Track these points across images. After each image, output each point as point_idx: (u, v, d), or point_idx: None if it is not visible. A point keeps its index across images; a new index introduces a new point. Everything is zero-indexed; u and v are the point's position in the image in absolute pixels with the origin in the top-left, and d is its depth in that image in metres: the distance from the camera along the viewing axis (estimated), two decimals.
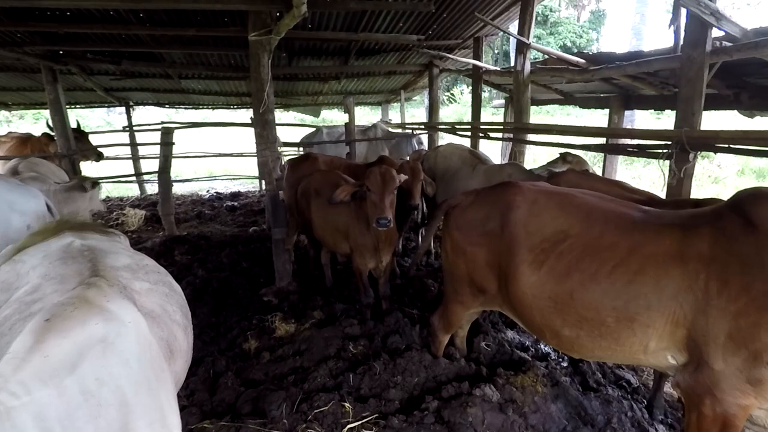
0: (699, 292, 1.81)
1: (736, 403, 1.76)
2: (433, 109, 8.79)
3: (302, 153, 7.84)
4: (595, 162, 9.98)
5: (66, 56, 6.80)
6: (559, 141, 4.55)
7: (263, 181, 5.00)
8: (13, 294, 1.54)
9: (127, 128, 10.52)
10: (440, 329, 2.99)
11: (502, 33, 7.59)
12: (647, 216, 2.10)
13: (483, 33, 6.92)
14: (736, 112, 4.61)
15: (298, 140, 9.03)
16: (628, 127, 6.88)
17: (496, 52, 22.48)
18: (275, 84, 5.78)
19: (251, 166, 11.26)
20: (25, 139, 8.03)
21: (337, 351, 3.24)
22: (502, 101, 8.64)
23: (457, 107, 22.69)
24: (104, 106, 12.71)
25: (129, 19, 5.39)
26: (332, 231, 3.87)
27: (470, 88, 7.71)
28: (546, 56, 5.62)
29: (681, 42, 3.37)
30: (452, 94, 23.81)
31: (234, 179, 11.78)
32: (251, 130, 6.61)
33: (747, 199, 1.85)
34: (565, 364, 3.23)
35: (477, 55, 7.01)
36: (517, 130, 5.52)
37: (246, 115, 12.85)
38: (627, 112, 6.10)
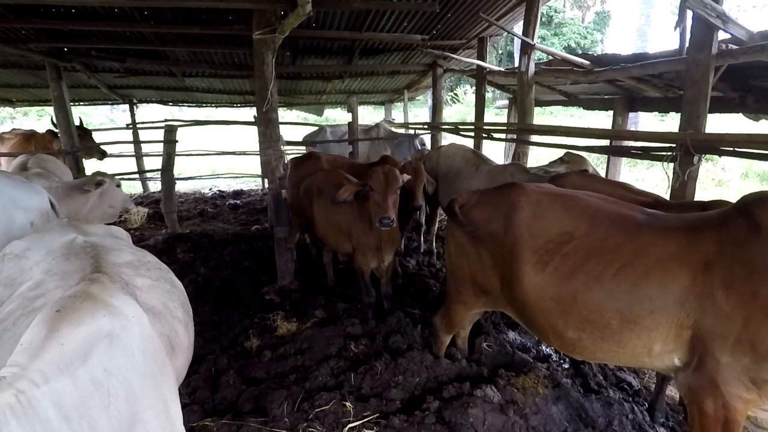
0: (705, 296, 1.80)
1: (739, 399, 1.76)
2: (436, 109, 8.77)
3: (305, 152, 7.85)
4: (598, 164, 9.96)
5: (70, 53, 6.82)
6: (563, 142, 4.54)
7: (266, 180, 5.01)
8: (17, 289, 1.55)
9: (131, 126, 10.55)
10: (442, 329, 2.99)
11: (506, 33, 7.57)
12: (652, 219, 2.09)
13: (487, 33, 6.91)
14: (741, 115, 4.59)
15: (301, 139, 9.04)
16: (632, 129, 6.87)
17: (500, 52, 22.48)
18: (279, 82, 5.77)
19: (254, 165, 11.28)
20: (29, 136, 8.07)
21: (338, 350, 3.25)
22: (506, 102, 8.63)
23: (460, 107, 22.67)
24: (108, 104, 12.74)
25: (133, 17, 5.40)
26: (335, 230, 3.87)
27: (474, 88, 7.69)
28: (550, 57, 5.61)
29: (686, 44, 3.35)
30: (456, 95, 23.80)
31: (237, 177, 11.80)
32: (254, 129, 6.61)
33: (753, 203, 1.84)
34: (566, 366, 3.22)
35: (481, 56, 7.00)
36: (521, 131, 5.51)
37: (249, 113, 12.85)
38: (631, 114, 6.09)
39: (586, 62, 4.94)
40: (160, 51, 7.09)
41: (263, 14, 4.04)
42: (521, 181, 2.76)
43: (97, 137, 8.47)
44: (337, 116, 20.40)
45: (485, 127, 6.49)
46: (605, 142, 5.34)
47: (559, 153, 4.85)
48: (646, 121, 13.91)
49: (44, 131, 8.07)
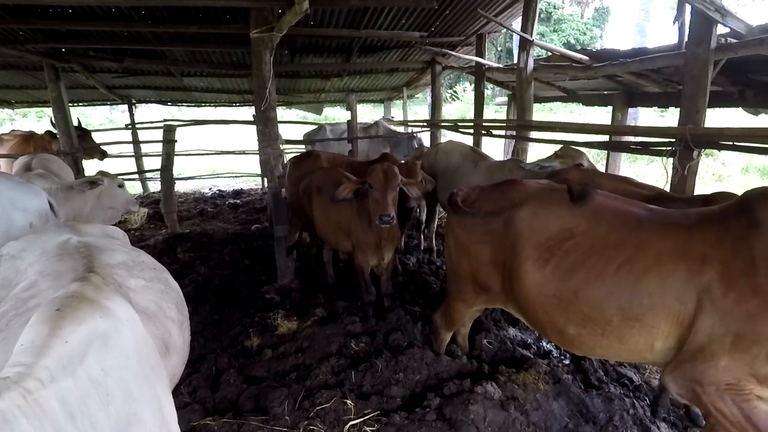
0: (705, 293, 1.79)
1: (744, 384, 1.75)
2: (435, 106, 8.75)
3: (304, 150, 7.84)
4: (598, 160, 9.94)
5: (68, 54, 6.81)
6: (562, 138, 4.53)
7: (265, 179, 5.00)
8: (12, 290, 1.55)
9: (130, 126, 10.54)
10: (442, 327, 2.99)
11: (505, 30, 7.56)
12: (653, 214, 2.08)
13: (486, 30, 6.89)
14: (740, 109, 4.58)
15: (300, 137, 9.04)
16: (632, 124, 6.85)
17: (499, 49, 22.43)
18: (277, 81, 5.75)
19: (253, 164, 11.26)
20: (28, 137, 8.06)
21: (338, 348, 3.25)
22: (505, 99, 8.61)
23: (459, 105, 22.64)
24: (107, 104, 12.73)
25: (131, 16, 5.39)
26: (334, 228, 3.87)
27: (473, 85, 7.68)
28: (549, 53, 5.59)
29: (685, 39, 3.34)
30: (455, 92, 23.76)
31: (236, 177, 11.80)
32: (253, 128, 6.61)
33: (754, 199, 1.83)
34: (567, 362, 3.22)
35: (480, 52, 6.98)
36: (520, 128, 5.50)
37: (248, 112, 12.85)
38: (631, 110, 6.08)
39: (585, 58, 4.92)
40: (157, 50, 7.08)
41: (261, 12, 4.03)
42: (520, 178, 2.75)
43: (97, 138, 8.46)
44: (336, 114, 20.38)
45: (485, 124, 6.48)
46: (605, 138, 5.32)
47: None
48: (645, 116, 13.88)
49: (43, 132, 8.07)
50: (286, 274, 4.58)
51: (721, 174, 11.01)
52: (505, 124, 6.30)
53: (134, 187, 10.93)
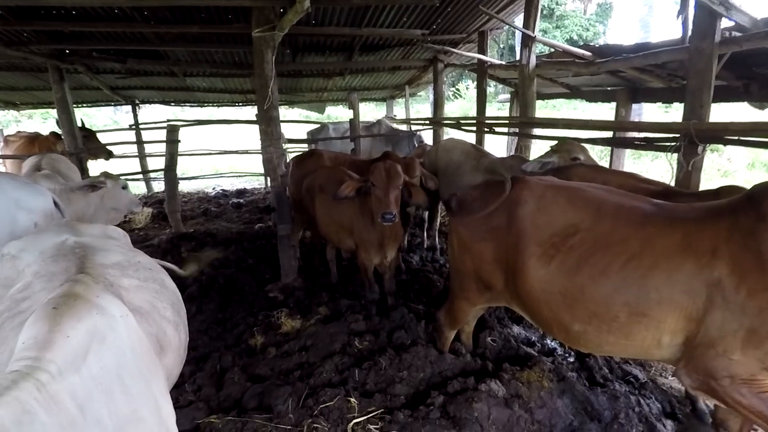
0: (714, 288, 1.78)
1: (750, 376, 1.75)
2: (438, 104, 8.73)
3: (307, 149, 7.84)
4: (602, 156, 9.88)
5: (72, 55, 6.84)
6: (566, 135, 4.51)
7: (268, 178, 5.01)
8: (10, 290, 1.57)
9: (133, 126, 10.59)
10: (446, 325, 2.98)
11: (507, 27, 7.52)
12: (659, 209, 2.06)
13: (488, 27, 6.87)
14: (746, 103, 4.54)
15: (303, 137, 9.05)
16: (636, 120, 6.81)
17: (501, 46, 22.33)
18: (279, 81, 5.76)
19: (256, 163, 11.29)
20: (33, 138, 8.13)
21: (342, 346, 3.25)
22: (508, 96, 8.57)
23: (462, 102, 22.56)
24: (110, 105, 12.79)
25: (133, 17, 5.41)
26: (337, 227, 3.87)
27: (475, 83, 7.65)
28: (552, 49, 5.56)
29: (689, 33, 3.31)
30: (457, 89, 23.68)
31: (239, 176, 11.83)
32: (256, 127, 6.61)
33: (763, 193, 1.82)
34: (571, 360, 3.21)
35: (482, 50, 6.95)
36: (523, 125, 5.48)
37: (251, 112, 12.86)
38: (634, 106, 6.02)
39: (587, 54, 4.89)
40: (160, 51, 7.11)
41: (262, 12, 4.03)
42: (521, 175, 2.74)
43: (101, 138, 8.53)
44: (339, 113, 20.36)
45: (487, 122, 6.45)
46: (609, 134, 5.29)
47: None
48: (649, 112, 13.77)
49: (48, 133, 8.13)
50: (289, 273, 4.58)
51: (727, 170, 10.91)
52: (507, 122, 6.27)
53: (138, 187, 10.98)
